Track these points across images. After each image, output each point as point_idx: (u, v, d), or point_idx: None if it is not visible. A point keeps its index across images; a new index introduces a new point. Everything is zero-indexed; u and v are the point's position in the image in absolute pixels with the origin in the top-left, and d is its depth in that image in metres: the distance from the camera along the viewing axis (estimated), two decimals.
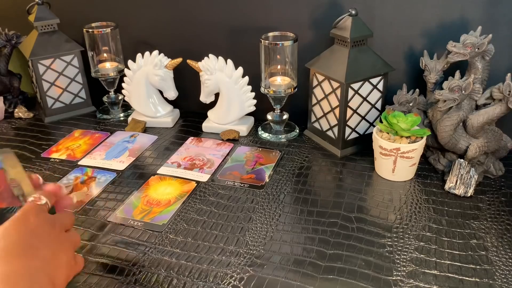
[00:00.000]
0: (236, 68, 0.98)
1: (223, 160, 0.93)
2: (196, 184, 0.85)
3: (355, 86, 0.87)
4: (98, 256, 0.67)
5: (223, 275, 0.63)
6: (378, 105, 0.92)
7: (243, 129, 1.03)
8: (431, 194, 0.79)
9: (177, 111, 1.12)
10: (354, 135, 0.93)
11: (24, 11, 1.12)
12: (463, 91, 0.76)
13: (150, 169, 0.90)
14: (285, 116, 1.02)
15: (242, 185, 0.84)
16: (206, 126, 1.05)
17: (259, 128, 1.05)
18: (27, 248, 0.48)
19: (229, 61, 0.97)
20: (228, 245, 0.68)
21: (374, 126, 0.90)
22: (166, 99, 1.08)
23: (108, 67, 1.11)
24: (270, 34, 0.96)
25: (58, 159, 0.95)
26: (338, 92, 0.88)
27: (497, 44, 0.78)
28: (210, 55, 0.98)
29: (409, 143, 0.80)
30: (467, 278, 0.61)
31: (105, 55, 1.10)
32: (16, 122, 1.13)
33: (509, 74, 0.73)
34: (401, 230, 0.71)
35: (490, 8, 0.84)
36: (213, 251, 0.67)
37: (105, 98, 1.14)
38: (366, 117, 0.92)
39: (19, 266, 0.46)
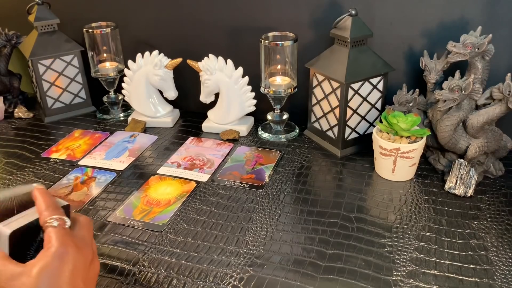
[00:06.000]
0: (236, 68, 0.98)
1: (223, 160, 0.93)
2: (196, 184, 0.84)
3: (355, 86, 0.87)
4: (98, 256, 0.66)
5: (223, 275, 0.63)
6: (378, 105, 0.92)
7: (243, 129, 1.03)
8: (431, 194, 0.79)
9: (177, 111, 1.12)
10: (354, 135, 0.93)
11: (24, 11, 1.12)
12: (463, 91, 0.76)
13: (150, 169, 0.90)
14: (285, 116, 1.02)
15: (242, 185, 0.84)
16: (206, 126, 1.05)
17: (259, 128, 1.05)
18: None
19: (229, 61, 0.97)
20: (228, 245, 0.68)
21: (374, 126, 0.90)
22: (166, 99, 1.08)
23: (108, 67, 1.11)
24: (270, 34, 0.96)
25: (58, 159, 0.95)
26: (338, 92, 0.88)
27: (497, 44, 0.78)
28: (210, 55, 0.98)
29: (409, 143, 0.80)
30: (467, 278, 0.61)
31: (105, 55, 1.10)
32: (16, 122, 1.13)
33: (509, 74, 0.73)
34: (401, 230, 0.71)
35: (490, 8, 0.84)
36: (213, 251, 0.67)
37: (105, 98, 1.14)
38: (366, 117, 0.92)
39: None
